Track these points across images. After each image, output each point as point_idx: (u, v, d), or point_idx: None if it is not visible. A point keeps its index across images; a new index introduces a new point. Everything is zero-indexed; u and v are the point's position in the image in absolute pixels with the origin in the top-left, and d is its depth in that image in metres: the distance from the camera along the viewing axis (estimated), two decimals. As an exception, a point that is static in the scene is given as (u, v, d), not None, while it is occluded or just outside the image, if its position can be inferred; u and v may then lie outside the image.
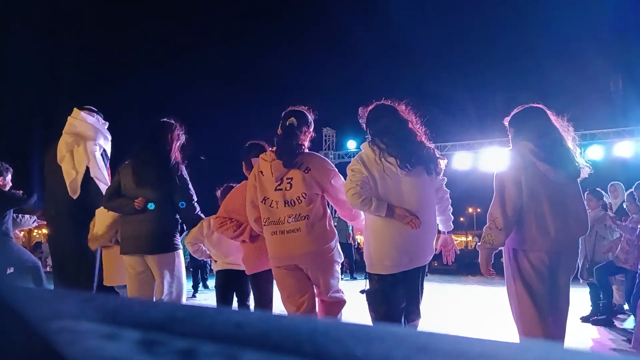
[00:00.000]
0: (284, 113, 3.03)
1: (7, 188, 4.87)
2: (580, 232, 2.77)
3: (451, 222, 3.05)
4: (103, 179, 3.69)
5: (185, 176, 3.40)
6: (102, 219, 3.52)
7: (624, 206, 5.72)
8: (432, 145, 2.87)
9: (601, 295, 5.80)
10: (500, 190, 2.77)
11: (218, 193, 4.10)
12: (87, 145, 3.64)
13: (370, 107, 2.95)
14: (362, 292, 2.96)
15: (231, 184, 3.94)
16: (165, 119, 3.50)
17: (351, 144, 16.72)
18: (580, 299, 5.99)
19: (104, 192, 3.55)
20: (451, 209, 3.02)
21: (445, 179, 2.96)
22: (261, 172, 2.96)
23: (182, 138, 3.48)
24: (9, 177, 4.88)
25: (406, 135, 2.80)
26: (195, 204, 3.44)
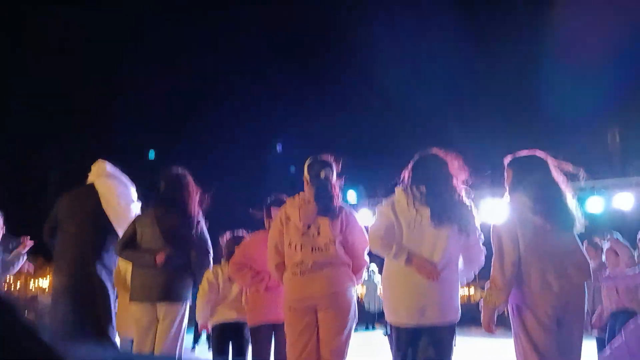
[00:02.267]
0: (310, 161, 3.08)
1: (0, 234, 4.75)
2: (583, 279, 2.74)
3: (465, 279, 3.04)
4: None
5: (205, 233, 3.43)
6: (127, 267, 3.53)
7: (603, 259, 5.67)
8: (472, 205, 2.89)
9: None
10: (498, 247, 2.76)
11: (223, 241, 4.08)
12: (129, 198, 3.65)
13: (421, 153, 2.98)
14: (385, 334, 2.97)
15: (239, 235, 3.94)
16: (179, 170, 3.54)
17: (351, 195, 16.72)
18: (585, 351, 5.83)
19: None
20: (474, 270, 3.01)
21: (482, 237, 2.93)
22: (288, 217, 3.00)
23: (196, 189, 3.51)
24: (1, 221, 4.76)
25: (445, 189, 2.82)
26: (210, 259, 3.45)
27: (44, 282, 29.69)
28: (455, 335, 2.85)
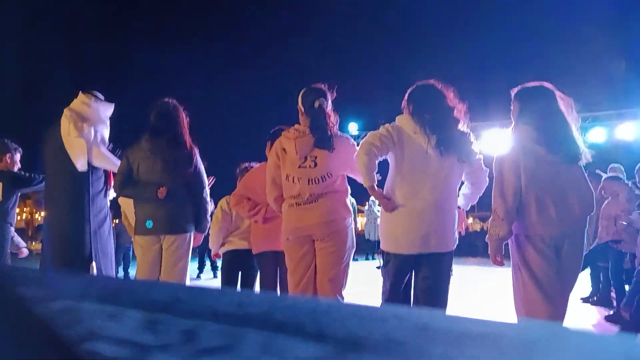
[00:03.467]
0: (304, 91, 3.00)
1: (16, 168, 4.78)
2: (585, 212, 2.75)
3: (470, 204, 3.05)
4: (113, 160, 3.63)
5: (199, 161, 3.40)
6: (129, 208, 3.55)
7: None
8: (470, 133, 2.86)
9: (601, 277, 5.84)
10: (499, 177, 2.76)
11: (237, 172, 4.09)
12: (84, 126, 3.59)
13: (418, 83, 2.91)
14: (378, 267, 3.01)
15: (250, 164, 3.94)
16: (169, 100, 3.46)
17: (352, 127, 16.66)
18: (581, 280, 6.01)
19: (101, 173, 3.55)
20: (480, 193, 3.01)
21: (481, 159, 2.92)
22: (284, 149, 2.96)
23: (187, 119, 3.45)
24: (17, 156, 4.76)
25: (448, 120, 2.77)
26: (207, 192, 3.45)
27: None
28: (451, 265, 2.91)
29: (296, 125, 2.99)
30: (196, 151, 3.39)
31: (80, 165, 3.51)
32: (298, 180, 2.88)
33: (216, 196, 4.25)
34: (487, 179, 2.94)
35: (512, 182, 2.70)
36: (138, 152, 3.36)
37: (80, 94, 3.69)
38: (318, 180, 2.87)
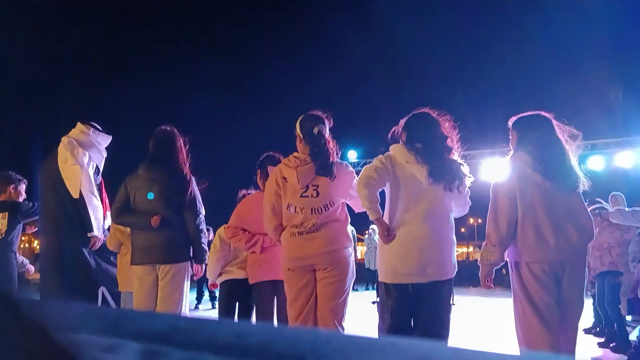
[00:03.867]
0: (302, 118, 3.02)
1: (21, 199, 4.86)
2: (585, 240, 2.75)
3: None
4: (92, 190, 3.64)
5: (196, 190, 3.40)
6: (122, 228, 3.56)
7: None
8: (463, 164, 2.88)
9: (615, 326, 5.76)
10: (494, 204, 2.78)
11: (237, 200, 4.09)
12: (79, 152, 3.62)
13: (414, 112, 2.94)
14: (373, 302, 2.98)
15: (248, 192, 3.95)
16: (168, 128, 3.49)
17: (352, 155, 16.73)
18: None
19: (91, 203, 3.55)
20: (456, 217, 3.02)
21: (469, 194, 2.94)
22: (284, 178, 2.95)
23: (185, 147, 3.47)
24: (22, 187, 4.86)
25: (441, 149, 2.80)
26: (201, 221, 3.41)
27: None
28: (453, 293, 2.88)
29: (295, 153, 3.00)
30: (193, 180, 3.39)
31: (74, 192, 3.52)
32: (301, 210, 2.87)
33: (216, 223, 4.25)
34: (467, 209, 2.97)
35: (506, 210, 2.72)
36: (136, 180, 3.38)
37: (79, 124, 3.73)
38: (321, 209, 2.87)
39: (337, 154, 3.01)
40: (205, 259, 3.45)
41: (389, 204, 2.83)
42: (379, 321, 2.88)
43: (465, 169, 2.90)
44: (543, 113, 2.91)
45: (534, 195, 2.71)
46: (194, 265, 3.40)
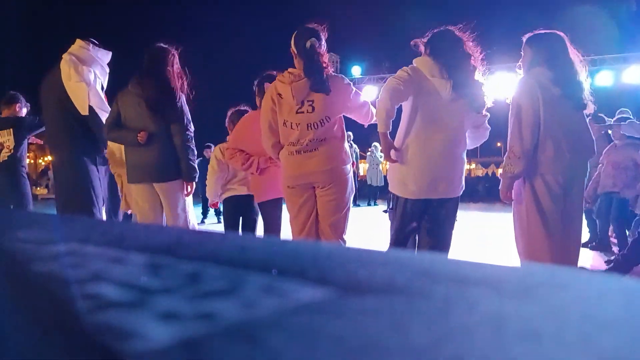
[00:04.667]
0: (296, 32, 2.91)
1: (23, 113, 4.91)
2: (588, 155, 2.80)
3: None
4: (103, 107, 3.62)
5: (184, 107, 3.33)
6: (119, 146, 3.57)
7: (609, 132, 5.67)
8: (484, 84, 2.81)
9: (597, 222, 5.91)
10: (517, 114, 2.75)
11: (227, 119, 4.05)
12: (84, 69, 3.55)
13: (438, 29, 2.85)
14: (385, 211, 3.06)
15: (241, 108, 3.90)
16: (161, 45, 3.40)
17: (356, 70, 16.38)
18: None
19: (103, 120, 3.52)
20: (474, 146, 3.00)
21: (488, 116, 2.89)
22: (280, 94, 2.90)
23: (178, 65, 3.38)
24: (25, 110, 4.91)
25: (466, 67, 2.73)
26: (189, 137, 3.36)
27: (53, 157, 30.50)
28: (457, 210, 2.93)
29: (290, 69, 2.92)
30: (182, 96, 3.33)
31: (83, 109, 3.49)
32: (297, 126, 2.85)
33: (217, 142, 4.23)
34: (487, 136, 2.93)
35: (531, 121, 2.71)
36: (126, 95, 3.33)
37: (78, 40, 3.62)
38: (317, 125, 2.83)
39: (331, 67, 2.93)
40: (195, 177, 3.42)
41: (407, 117, 2.80)
42: (390, 227, 2.97)
43: (486, 90, 2.84)
44: (557, 32, 2.85)
45: (554, 109, 2.70)
46: (185, 183, 3.38)
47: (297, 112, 2.84)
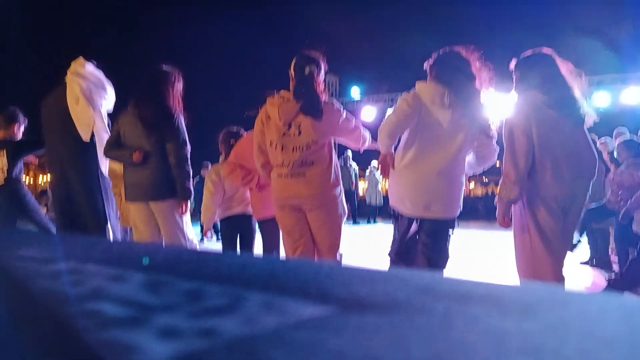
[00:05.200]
0: (297, 58, 2.94)
1: (18, 136, 4.90)
2: (589, 176, 2.79)
3: (472, 173, 3.04)
4: (106, 131, 3.62)
5: (182, 126, 3.33)
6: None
7: (614, 155, 5.67)
8: (488, 107, 2.82)
9: (598, 240, 5.88)
10: (510, 140, 2.76)
11: (220, 138, 4.07)
12: (93, 94, 3.56)
13: (444, 50, 2.87)
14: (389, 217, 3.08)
15: (231, 129, 3.92)
16: (163, 67, 3.42)
17: (355, 91, 16.48)
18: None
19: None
20: (484, 167, 3.00)
21: (495, 137, 2.89)
22: (268, 116, 2.93)
23: (180, 87, 3.40)
24: (22, 128, 4.90)
25: (469, 90, 2.74)
26: (185, 157, 3.36)
27: (53, 177, 30.58)
28: (456, 225, 2.92)
29: (282, 92, 2.94)
30: (180, 117, 3.34)
31: (85, 135, 3.49)
32: (282, 148, 2.86)
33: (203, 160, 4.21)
34: (496, 157, 2.93)
35: (524, 146, 2.71)
36: (125, 115, 3.35)
37: (81, 59, 3.63)
38: (303, 147, 2.83)
39: (326, 94, 2.95)
40: (189, 196, 3.40)
41: (406, 140, 2.82)
42: (393, 234, 2.99)
43: (492, 112, 2.84)
44: (544, 50, 2.86)
45: (549, 131, 2.70)
46: (181, 202, 3.36)
47: (283, 135, 2.86)
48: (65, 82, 3.56)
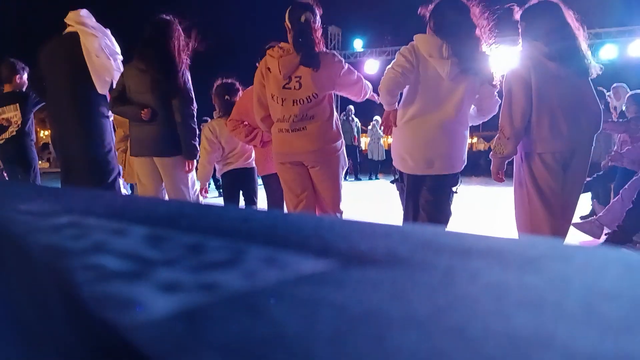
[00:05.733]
0: (291, 7, 2.88)
1: (25, 87, 4.85)
2: (593, 129, 2.76)
3: (475, 120, 3.00)
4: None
5: (187, 82, 3.29)
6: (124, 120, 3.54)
7: (623, 108, 5.63)
8: (490, 54, 2.76)
9: (600, 195, 5.92)
10: (508, 95, 2.72)
11: (213, 92, 4.00)
12: (108, 44, 3.49)
13: None
14: (392, 182, 3.10)
15: (225, 83, 3.86)
16: (164, 17, 3.34)
17: (357, 43, 16.19)
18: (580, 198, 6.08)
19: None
20: (484, 119, 2.96)
21: (498, 87, 2.84)
22: (268, 69, 2.89)
23: (182, 35, 3.33)
24: (25, 75, 4.83)
25: (469, 40, 2.67)
26: (191, 114, 3.33)
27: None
28: (460, 182, 2.92)
29: (282, 43, 2.89)
30: (186, 72, 3.29)
31: (102, 87, 3.44)
32: (282, 101, 2.84)
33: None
34: (497, 109, 2.88)
35: (521, 102, 2.67)
36: (130, 70, 3.29)
37: (85, 11, 3.53)
38: (303, 101, 2.82)
39: (323, 43, 2.90)
40: (195, 154, 3.39)
41: (406, 96, 2.79)
42: (400, 195, 3.03)
43: (494, 61, 2.79)
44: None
45: (549, 85, 2.66)
46: (186, 160, 3.35)
47: (283, 87, 2.83)
48: (71, 33, 3.47)
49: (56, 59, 3.52)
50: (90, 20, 3.51)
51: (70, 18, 3.51)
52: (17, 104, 4.70)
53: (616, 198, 4.57)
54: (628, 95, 5.55)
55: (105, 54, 3.43)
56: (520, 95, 2.67)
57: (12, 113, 4.72)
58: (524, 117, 2.67)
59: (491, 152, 2.86)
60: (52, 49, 3.55)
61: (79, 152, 3.50)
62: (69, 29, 3.50)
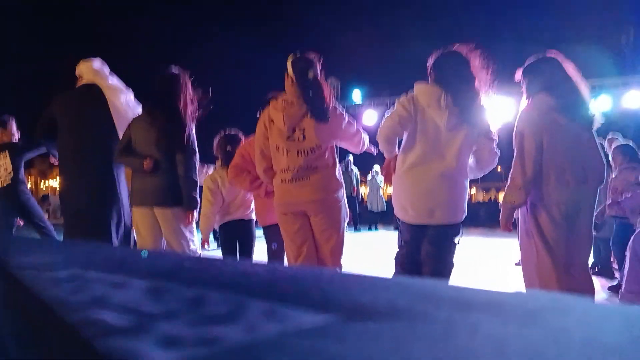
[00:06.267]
0: (293, 60, 2.93)
1: (16, 138, 4.92)
2: (597, 182, 2.76)
3: (475, 173, 2.99)
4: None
5: (191, 137, 3.33)
6: None
7: (610, 158, 5.67)
8: (488, 107, 2.80)
9: (601, 248, 5.88)
10: (520, 147, 2.74)
11: (216, 143, 4.02)
12: (127, 97, 3.58)
13: (444, 50, 2.85)
14: (395, 228, 3.08)
15: (228, 134, 3.90)
16: (172, 71, 3.41)
17: (356, 94, 16.48)
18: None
19: None
20: (483, 172, 2.95)
21: (496, 140, 2.87)
22: (272, 121, 2.93)
23: (190, 89, 3.39)
24: (12, 125, 4.91)
25: (467, 92, 2.72)
26: (194, 167, 3.35)
27: (54, 182, 30.69)
28: (461, 233, 2.90)
29: (284, 95, 2.93)
30: (191, 126, 3.33)
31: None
32: (287, 152, 2.86)
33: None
34: (496, 162, 2.89)
35: (533, 154, 2.69)
36: (138, 122, 3.34)
37: (96, 60, 3.61)
38: (307, 152, 2.84)
39: (333, 99, 2.95)
40: (195, 206, 3.37)
41: (406, 144, 2.81)
42: (397, 242, 2.99)
43: (492, 114, 2.83)
44: (550, 53, 2.85)
45: (557, 137, 2.69)
46: (186, 211, 3.34)
47: (287, 139, 2.86)
48: (90, 85, 3.54)
49: (79, 110, 3.56)
50: (106, 69, 3.60)
51: (84, 70, 3.58)
52: (6, 152, 4.77)
53: (629, 260, 4.48)
54: (614, 146, 5.59)
55: (131, 109, 3.52)
56: (532, 146, 2.69)
57: (1, 161, 4.77)
58: (536, 166, 2.68)
59: (502, 202, 2.85)
60: (73, 99, 3.59)
61: (90, 206, 3.50)
62: (84, 81, 3.58)
